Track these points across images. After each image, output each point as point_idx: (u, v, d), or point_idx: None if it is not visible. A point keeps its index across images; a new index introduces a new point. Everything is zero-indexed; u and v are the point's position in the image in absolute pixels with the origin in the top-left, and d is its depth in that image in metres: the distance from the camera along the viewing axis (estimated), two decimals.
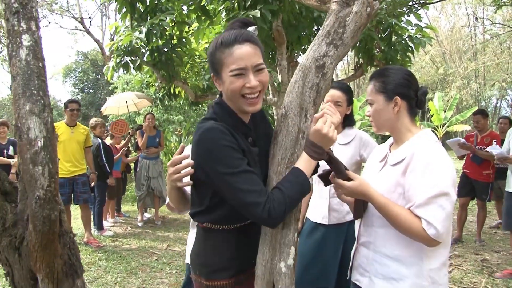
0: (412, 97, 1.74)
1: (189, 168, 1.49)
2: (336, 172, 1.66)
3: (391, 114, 1.73)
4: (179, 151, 1.54)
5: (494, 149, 5.13)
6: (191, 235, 2.40)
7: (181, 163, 1.51)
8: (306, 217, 3.00)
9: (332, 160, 1.61)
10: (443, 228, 1.53)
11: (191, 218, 1.61)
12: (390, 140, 1.90)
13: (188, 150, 1.56)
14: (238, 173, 1.36)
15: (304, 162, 1.48)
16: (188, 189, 1.66)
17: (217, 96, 1.59)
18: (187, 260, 2.40)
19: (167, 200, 1.81)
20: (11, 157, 6.42)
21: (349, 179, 1.64)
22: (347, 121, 2.87)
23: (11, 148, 6.46)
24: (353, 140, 2.80)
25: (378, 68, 6.23)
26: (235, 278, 1.52)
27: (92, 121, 6.74)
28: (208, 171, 1.40)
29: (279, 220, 1.41)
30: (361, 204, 1.78)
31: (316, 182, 2.90)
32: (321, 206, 2.84)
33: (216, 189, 1.44)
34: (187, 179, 1.53)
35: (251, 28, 1.50)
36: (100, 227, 6.55)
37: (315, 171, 1.69)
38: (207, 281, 1.53)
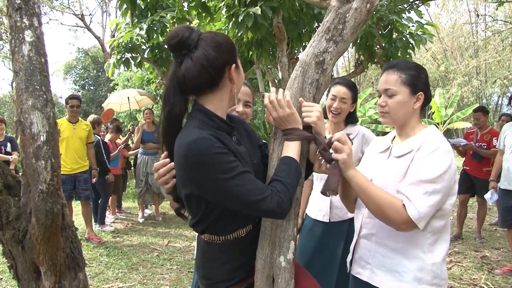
0: (429, 96, 1.76)
1: (172, 171, 1.52)
2: (325, 148, 1.61)
3: (410, 108, 1.73)
4: (163, 157, 1.55)
5: (491, 198, 5.04)
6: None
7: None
8: (307, 213, 2.98)
9: (318, 140, 1.59)
10: (425, 213, 1.53)
11: (192, 228, 1.59)
12: (391, 134, 1.91)
13: None
14: (237, 176, 1.34)
15: (288, 149, 1.51)
16: None
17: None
18: None
19: None
20: (9, 153, 6.41)
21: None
22: (350, 118, 2.87)
23: (8, 144, 6.44)
24: (356, 137, 2.79)
25: (379, 65, 6.27)
26: (236, 287, 1.53)
27: (90, 118, 6.73)
28: (202, 183, 1.36)
29: (288, 210, 1.42)
30: (337, 176, 1.65)
31: (317, 179, 2.90)
32: (322, 203, 2.82)
33: (211, 199, 1.41)
34: (173, 180, 1.54)
35: None
36: (101, 222, 6.59)
37: (311, 169, 1.70)
38: None
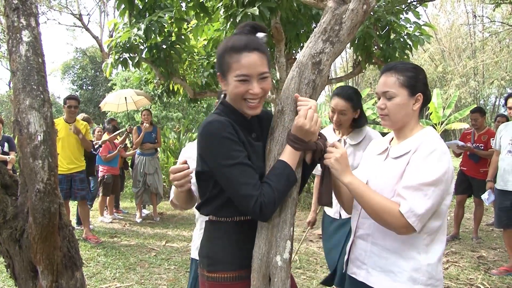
0: (428, 97, 1.77)
1: (189, 176, 1.59)
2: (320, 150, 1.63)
3: (410, 110, 1.73)
4: (181, 162, 1.62)
5: (488, 199, 5.05)
6: (196, 230, 2.43)
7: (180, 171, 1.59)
8: (324, 210, 3.15)
9: (317, 151, 1.62)
10: (422, 216, 1.55)
11: (197, 210, 1.65)
12: (389, 135, 1.92)
13: (186, 153, 1.63)
14: (235, 165, 1.41)
15: (288, 155, 1.53)
16: (194, 187, 1.71)
17: (219, 94, 1.68)
18: (193, 255, 2.43)
19: (171, 197, 1.83)
20: (7, 153, 6.39)
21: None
22: (356, 123, 2.88)
23: (6, 144, 6.42)
24: (363, 141, 2.84)
25: (376, 66, 6.28)
26: (237, 272, 1.53)
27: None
28: (209, 162, 1.47)
29: (270, 214, 1.46)
30: (329, 188, 1.72)
31: None
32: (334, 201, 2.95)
33: (217, 179, 1.49)
34: (188, 184, 1.62)
35: (260, 35, 1.55)
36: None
37: (310, 169, 1.72)
38: (209, 272, 1.55)
